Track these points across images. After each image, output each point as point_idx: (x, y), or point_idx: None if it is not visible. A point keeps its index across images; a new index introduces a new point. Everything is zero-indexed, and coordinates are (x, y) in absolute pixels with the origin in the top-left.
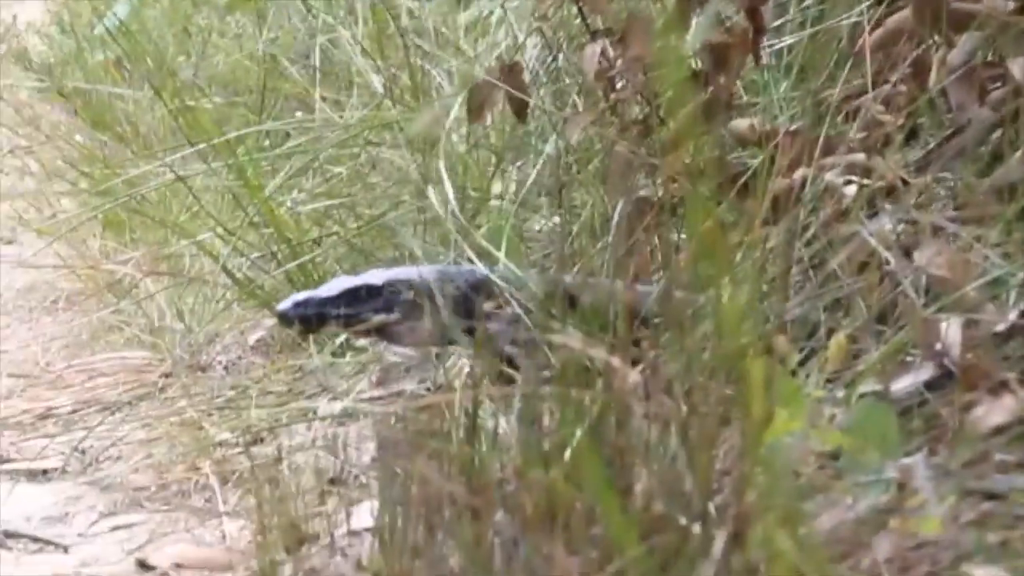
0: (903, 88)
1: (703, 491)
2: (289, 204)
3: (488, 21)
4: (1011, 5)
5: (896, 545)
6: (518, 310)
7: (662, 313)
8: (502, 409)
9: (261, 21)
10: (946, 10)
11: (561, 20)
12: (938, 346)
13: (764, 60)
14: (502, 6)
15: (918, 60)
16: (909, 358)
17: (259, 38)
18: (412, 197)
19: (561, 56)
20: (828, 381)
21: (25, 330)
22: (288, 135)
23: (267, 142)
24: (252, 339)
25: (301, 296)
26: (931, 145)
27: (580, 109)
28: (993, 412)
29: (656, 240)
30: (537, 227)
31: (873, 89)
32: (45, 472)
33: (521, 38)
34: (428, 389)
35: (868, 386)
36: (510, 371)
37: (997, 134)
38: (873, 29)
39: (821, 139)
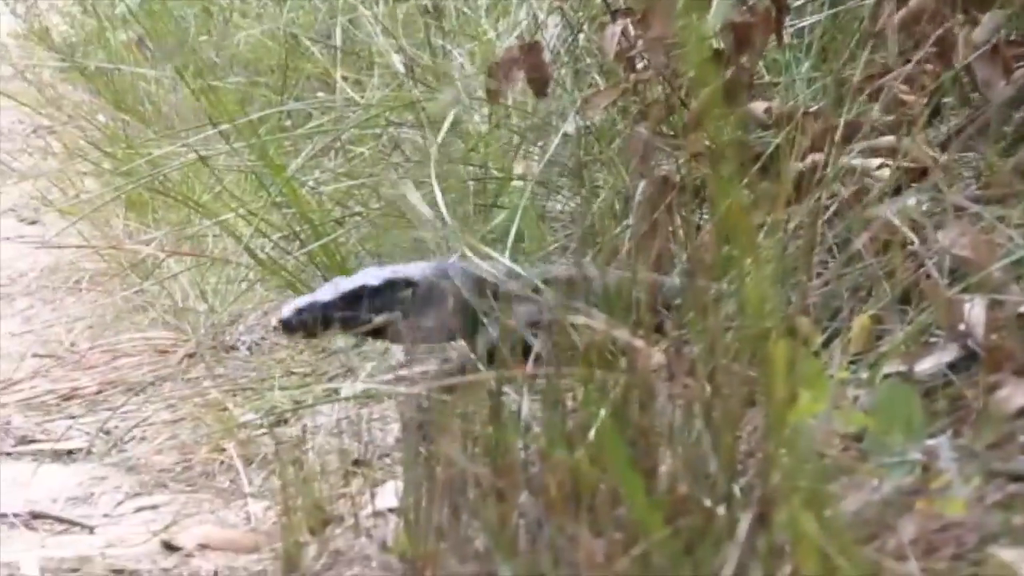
0: (927, 67)
1: (727, 473)
2: (311, 184)
3: (509, 1)
4: None
5: (921, 527)
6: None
7: (685, 294)
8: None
9: (282, 1)
10: None
11: (582, 0)
12: (962, 327)
13: (786, 40)
14: None
15: (942, 39)
16: (933, 339)
17: (280, 18)
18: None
19: (582, 36)
20: (852, 362)
21: (49, 311)
22: (310, 115)
23: (289, 122)
24: (275, 319)
25: (302, 302)
26: (955, 124)
27: (601, 89)
28: (1018, 393)
29: (678, 220)
30: (559, 207)
31: (896, 69)
32: (70, 453)
33: (542, 18)
34: (452, 370)
35: (892, 367)
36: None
37: (1021, 113)
38: (896, 8)
39: (844, 119)
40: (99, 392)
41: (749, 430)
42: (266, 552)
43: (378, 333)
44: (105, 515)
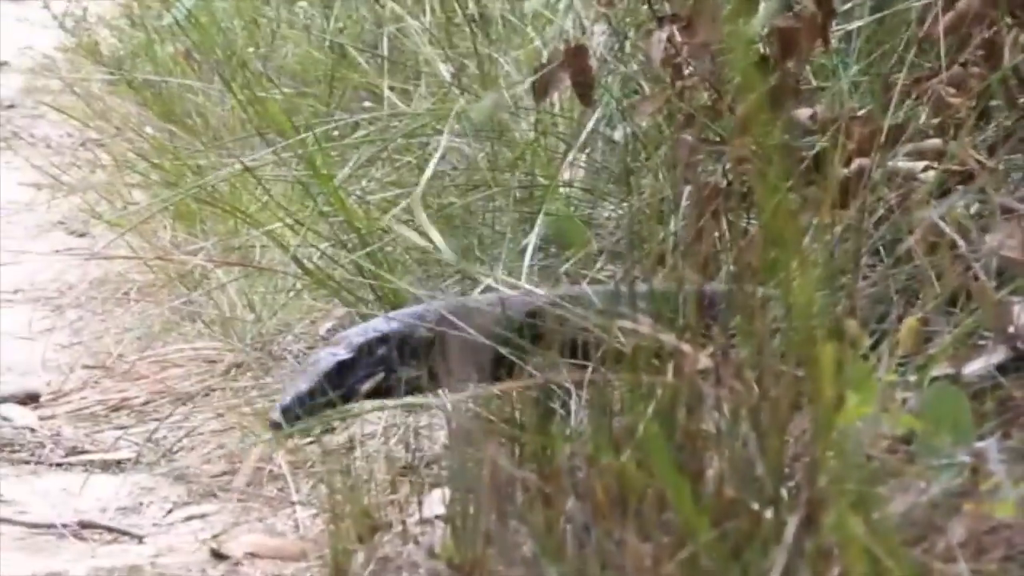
0: (974, 70)
1: (775, 476)
2: (358, 194)
3: (555, 8)
4: None
5: (970, 529)
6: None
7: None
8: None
9: (329, 11)
10: None
11: (627, 6)
12: (1011, 329)
13: (833, 44)
14: None
15: (989, 41)
16: (981, 341)
17: (327, 28)
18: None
19: (628, 43)
20: (900, 365)
21: (98, 322)
22: (357, 125)
23: (336, 132)
24: (323, 329)
25: (287, 399)
26: (1003, 126)
27: (647, 95)
28: None
29: (724, 226)
30: (605, 214)
31: (944, 72)
32: (119, 463)
33: (588, 25)
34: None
35: (940, 369)
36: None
37: None
38: (944, 11)
39: (891, 123)
40: (147, 402)
41: (796, 433)
42: (314, 560)
43: (375, 395)
44: (154, 524)
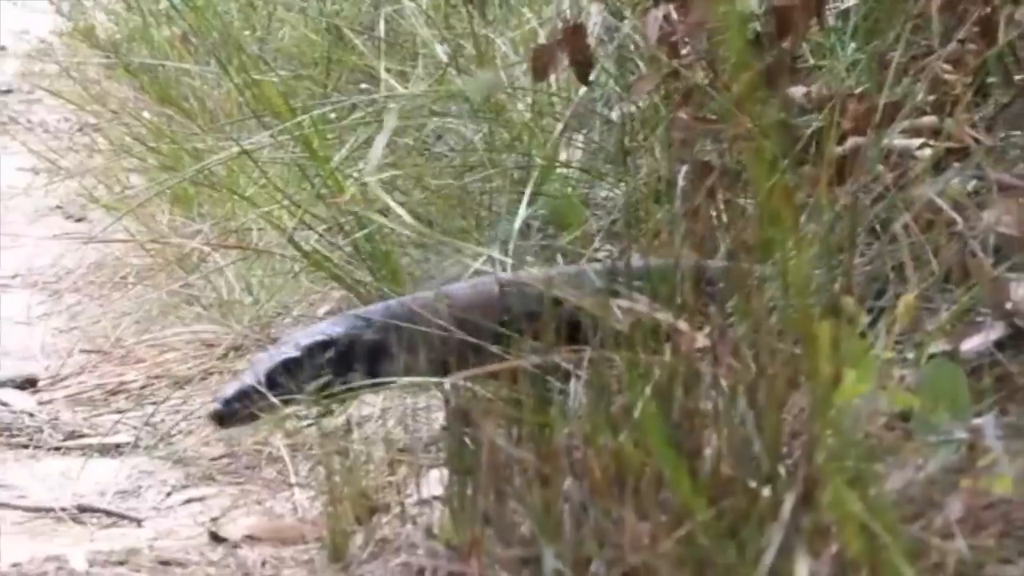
0: (970, 47)
1: (772, 453)
2: (355, 176)
3: None
4: None
5: (967, 505)
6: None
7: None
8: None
9: None
10: None
11: None
12: (1008, 305)
13: (829, 22)
14: None
15: (985, 18)
16: (979, 318)
17: (324, 10)
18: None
19: (624, 22)
20: (897, 342)
21: (96, 306)
22: (354, 107)
23: (333, 114)
24: (321, 311)
25: (229, 391)
26: (1000, 103)
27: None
28: None
29: (721, 204)
30: (603, 194)
31: (940, 49)
32: (118, 447)
33: (584, 4)
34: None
35: (938, 346)
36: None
37: None
38: None
39: (887, 101)
40: (146, 386)
41: (794, 411)
42: (313, 542)
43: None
44: (153, 508)
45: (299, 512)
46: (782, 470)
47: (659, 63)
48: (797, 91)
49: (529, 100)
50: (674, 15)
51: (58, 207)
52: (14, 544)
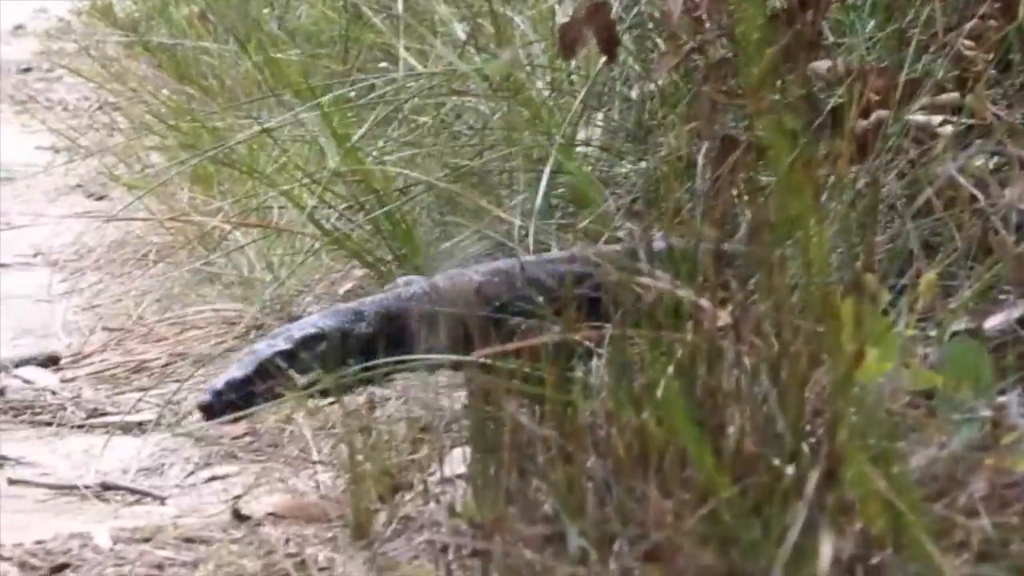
0: (992, 23)
1: (795, 431)
2: (375, 154)
3: None
4: None
5: (991, 482)
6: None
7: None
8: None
9: None
10: None
11: None
12: None
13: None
14: None
15: None
16: (1001, 295)
17: None
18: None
19: (644, 1)
20: (920, 319)
21: (117, 285)
22: (372, 86)
23: (352, 93)
24: (342, 289)
25: (219, 383)
26: (1022, 79)
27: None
28: None
29: (742, 181)
30: (623, 171)
31: (961, 25)
32: (140, 425)
33: None
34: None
35: (961, 324)
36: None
37: None
38: None
39: (908, 77)
40: (167, 364)
41: (816, 389)
42: (336, 519)
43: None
44: (176, 486)
45: (322, 490)
46: (805, 448)
47: (679, 40)
48: (821, 65)
49: (548, 78)
50: None
51: (78, 186)
52: (39, 521)
